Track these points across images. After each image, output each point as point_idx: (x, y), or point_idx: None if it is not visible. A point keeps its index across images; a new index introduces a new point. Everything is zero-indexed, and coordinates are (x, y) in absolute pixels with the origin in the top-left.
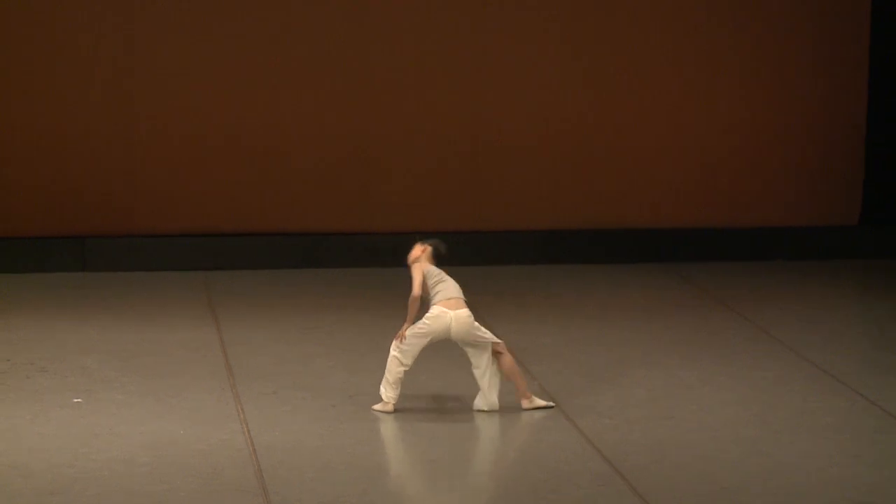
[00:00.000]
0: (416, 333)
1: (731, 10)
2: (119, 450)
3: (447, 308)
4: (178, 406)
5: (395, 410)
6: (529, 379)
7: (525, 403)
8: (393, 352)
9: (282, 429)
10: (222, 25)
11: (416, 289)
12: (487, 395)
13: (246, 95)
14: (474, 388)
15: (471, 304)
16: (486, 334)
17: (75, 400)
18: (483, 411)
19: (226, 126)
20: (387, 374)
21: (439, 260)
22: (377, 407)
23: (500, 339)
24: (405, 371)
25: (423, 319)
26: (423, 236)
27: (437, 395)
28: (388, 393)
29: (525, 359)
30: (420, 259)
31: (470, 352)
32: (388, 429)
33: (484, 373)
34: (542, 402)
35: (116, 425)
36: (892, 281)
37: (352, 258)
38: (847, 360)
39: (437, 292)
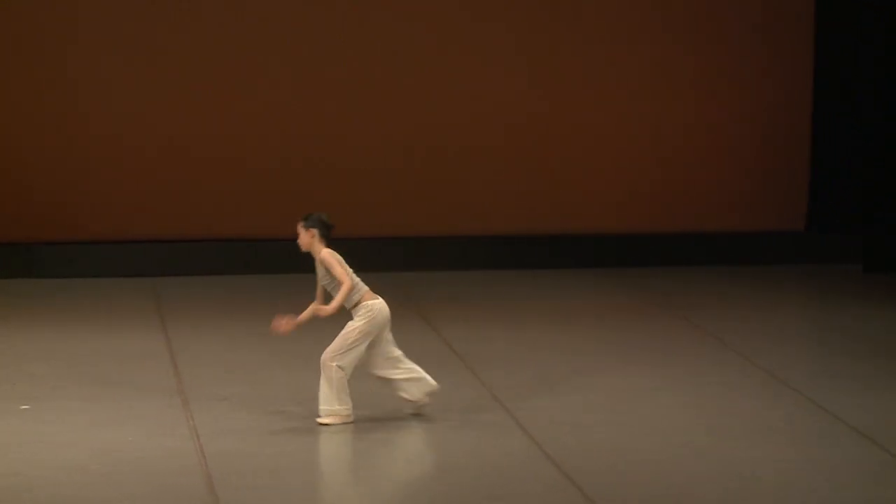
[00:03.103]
0: (361, 337)
1: (684, 19)
2: (69, 457)
3: (376, 299)
4: (128, 413)
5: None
6: (479, 385)
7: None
8: (334, 363)
9: (232, 435)
10: (170, 34)
11: (348, 279)
12: (425, 384)
13: (194, 102)
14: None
15: (426, 309)
16: None
17: (23, 407)
18: (422, 404)
19: (175, 133)
20: (335, 387)
21: (329, 238)
22: (328, 420)
23: (449, 344)
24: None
25: (362, 318)
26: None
27: (382, 402)
28: (340, 406)
29: (477, 365)
30: (316, 244)
31: (387, 346)
32: (339, 436)
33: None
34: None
35: (66, 432)
36: (836, 286)
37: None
38: (796, 366)
39: (356, 283)
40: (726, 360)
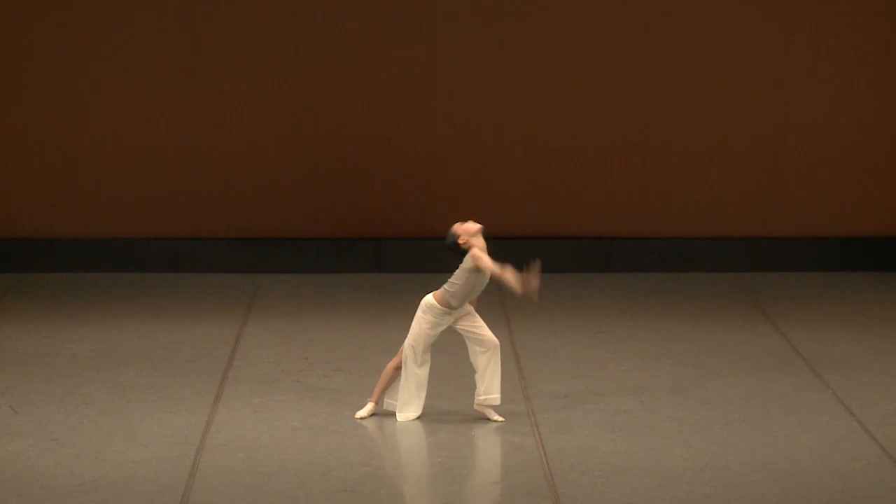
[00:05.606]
0: None
1: None
2: (410, 449)
3: None
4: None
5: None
6: (824, 388)
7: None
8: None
9: (572, 433)
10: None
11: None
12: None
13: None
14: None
15: (769, 309)
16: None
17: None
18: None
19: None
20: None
21: None
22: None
23: (794, 345)
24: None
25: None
26: None
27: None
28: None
29: (822, 367)
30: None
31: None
32: (677, 435)
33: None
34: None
35: (407, 425)
36: None
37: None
38: None
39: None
40: None
